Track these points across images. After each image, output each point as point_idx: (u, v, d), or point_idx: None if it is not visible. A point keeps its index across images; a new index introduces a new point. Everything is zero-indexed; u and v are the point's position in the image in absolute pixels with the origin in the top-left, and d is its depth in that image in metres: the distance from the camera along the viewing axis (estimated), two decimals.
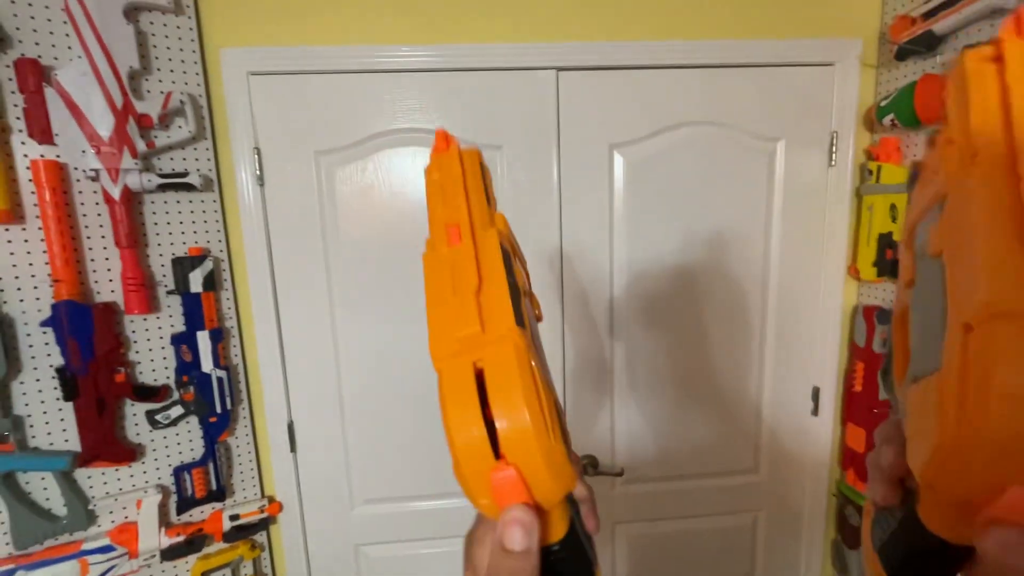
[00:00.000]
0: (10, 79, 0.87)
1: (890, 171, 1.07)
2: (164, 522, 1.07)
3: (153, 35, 0.97)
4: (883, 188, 1.08)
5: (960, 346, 0.17)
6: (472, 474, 0.22)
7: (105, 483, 1.02)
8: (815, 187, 1.17)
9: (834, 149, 1.15)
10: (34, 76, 0.86)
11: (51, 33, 0.89)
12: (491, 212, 0.29)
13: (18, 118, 0.88)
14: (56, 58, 0.90)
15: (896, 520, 0.25)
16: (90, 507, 1.00)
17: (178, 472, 1.07)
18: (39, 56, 0.89)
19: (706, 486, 1.29)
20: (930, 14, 0.96)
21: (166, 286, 1.03)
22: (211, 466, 1.09)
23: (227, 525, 1.11)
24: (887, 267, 1.09)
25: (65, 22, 0.89)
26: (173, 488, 1.08)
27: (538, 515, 0.23)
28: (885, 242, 1.09)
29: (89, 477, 1.01)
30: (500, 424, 0.21)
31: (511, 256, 0.27)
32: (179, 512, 1.08)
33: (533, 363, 0.23)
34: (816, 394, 1.26)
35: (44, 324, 0.92)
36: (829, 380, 1.25)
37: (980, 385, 0.16)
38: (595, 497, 0.33)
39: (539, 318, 0.34)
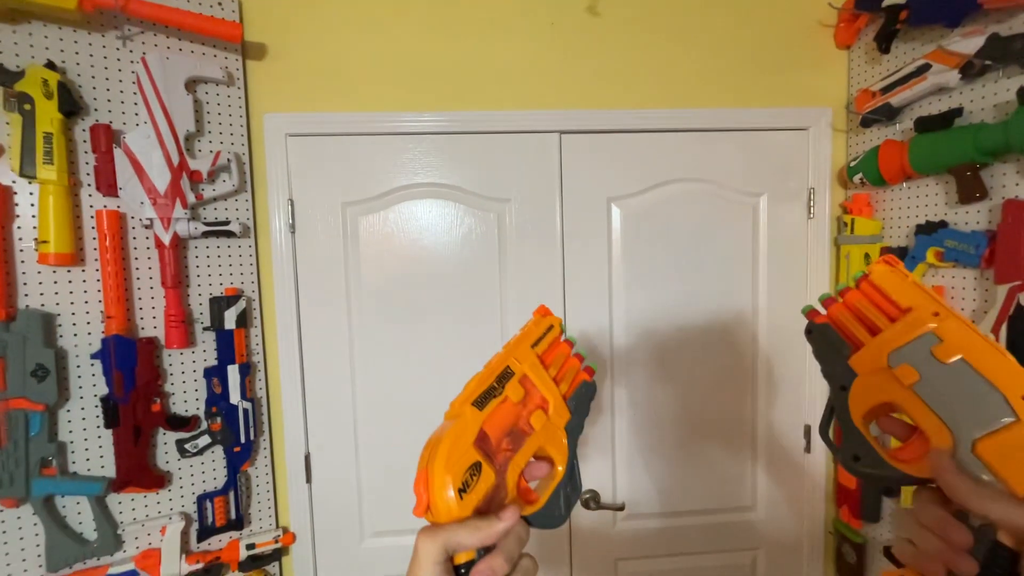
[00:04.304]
0: (84, 141, 1.00)
1: (863, 223, 1.18)
2: (185, 549, 1.12)
3: (207, 103, 1.11)
4: (857, 239, 1.18)
5: None
6: (420, 468, 0.38)
7: (134, 509, 1.08)
8: (797, 237, 1.28)
9: (812, 203, 1.27)
10: (106, 139, 1.00)
11: (122, 103, 1.03)
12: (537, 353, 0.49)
13: (88, 174, 1.01)
14: (125, 123, 1.04)
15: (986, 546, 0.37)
16: (119, 532, 1.06)
17: (201, 500, 1.13)
18: (111, 122, 1.02)
19: (705, 523, 1.33)
20: (887, 89, 1.09)
21: (203, 323, 1.12)
22: (232, 495, 1.15)
23: (243, 554, 1.16)
24: None
25: (135, 93, 1.03)
26: (196, 516, 1.13)
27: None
28: None
29: (119, 503, 1.07)
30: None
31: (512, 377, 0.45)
32: (199, 540, 1.13)
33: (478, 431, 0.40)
34: (808, 432, 1.32)
35: (94, 356, 1.01)
36: (819, 418, 1.31)
37: None
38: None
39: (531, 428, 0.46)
